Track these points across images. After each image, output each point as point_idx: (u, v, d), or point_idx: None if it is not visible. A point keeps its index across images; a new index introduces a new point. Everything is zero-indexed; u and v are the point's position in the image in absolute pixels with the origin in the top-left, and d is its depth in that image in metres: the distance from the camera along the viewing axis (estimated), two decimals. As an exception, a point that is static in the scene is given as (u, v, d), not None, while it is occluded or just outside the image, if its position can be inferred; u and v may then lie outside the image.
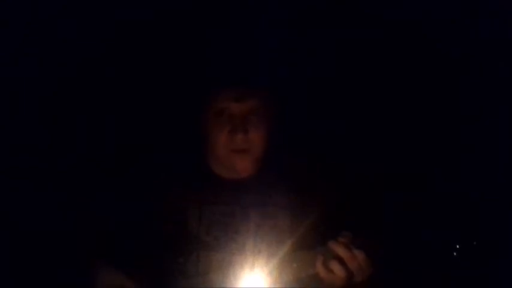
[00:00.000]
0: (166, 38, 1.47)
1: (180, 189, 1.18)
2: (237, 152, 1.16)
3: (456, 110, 1.50)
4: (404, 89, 1.52)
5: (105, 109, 1.48)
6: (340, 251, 1.03)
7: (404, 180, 1.45)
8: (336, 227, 1.11)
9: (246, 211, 1.19)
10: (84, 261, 1.19)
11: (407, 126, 1.51)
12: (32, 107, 1.46)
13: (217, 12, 1.45)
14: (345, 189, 1.25)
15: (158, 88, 1.47)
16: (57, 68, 1.46)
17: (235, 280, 1.11)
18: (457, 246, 1.02)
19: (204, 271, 1.14)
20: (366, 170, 1.39)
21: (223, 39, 1.36)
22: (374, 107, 1.52)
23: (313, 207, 1.19)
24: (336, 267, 1.03)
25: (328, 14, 1.50)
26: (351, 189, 1.26)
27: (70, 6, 1.43)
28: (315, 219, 1.18)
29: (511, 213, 1.36)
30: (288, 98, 1.30)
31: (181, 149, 1.28)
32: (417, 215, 1.30)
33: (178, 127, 1.36)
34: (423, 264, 1.18)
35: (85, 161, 1.45)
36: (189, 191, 1.18)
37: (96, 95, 1.48)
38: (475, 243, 1.02)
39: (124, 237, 1.15)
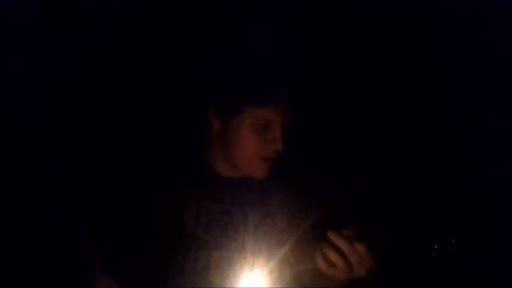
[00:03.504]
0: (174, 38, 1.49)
1: (178, 187, 1.18)
2: (264, 159, 1.17)
3: (456, 110, 1.50)
4: (404, 89, 1.52)
5: (106, 107, 1.49)
6: (340, 243, 1.03)
7: (404, 180, 1.45)
8: (334, 226, 1.11)
9: (244, 209, 1.18)
10: (84, 262, 1.19)
11: (407, 127, 1.52)
12: (32, 106, 1.46)
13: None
14: (344, 189, 1.25)
15: (159, 87, 1.47)
16: (58, 68, 1.47)
17: (234, 279, 1.11)
18: (453, 240, 1.02)
19: (203, 269, 1.13)
20: (365, 170, 1.39)
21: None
22: (374, 108, 1.52)
23: (312, 207, 1.19)
24: (335, 258, 1.03)
25: (327, 13, 1.51)
26: (350, 188, 1.26)
27: (75, 7, 1.44)
28: (314, 218, 1.18)
29: (510, 213, 1.36)
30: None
31: (180, 146, 1.28)
32: (417, 214, 1.30)
33: (178, 125, 1.37)
34: (423, 261, 1.17)
35: (85, 161, 1.45)
36: (187, 189, 1.18)
37: (97, 94, 1.48)
38: (473, 241, 1.02)
39: (122, 236, 1.14)
